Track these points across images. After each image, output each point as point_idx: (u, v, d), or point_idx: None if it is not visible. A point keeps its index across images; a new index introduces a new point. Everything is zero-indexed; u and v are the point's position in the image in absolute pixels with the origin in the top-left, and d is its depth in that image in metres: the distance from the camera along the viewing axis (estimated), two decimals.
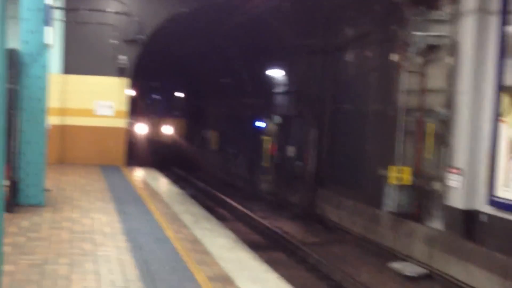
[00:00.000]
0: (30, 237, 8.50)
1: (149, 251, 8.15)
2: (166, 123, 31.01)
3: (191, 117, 32.50)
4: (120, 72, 18.78)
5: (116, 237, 8.90)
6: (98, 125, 18.74)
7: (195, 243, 8.86)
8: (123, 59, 18.65)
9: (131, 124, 28.20)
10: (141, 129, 30.41)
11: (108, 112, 18.75)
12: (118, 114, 18.88)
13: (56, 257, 7.52)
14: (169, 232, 9.44)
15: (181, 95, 32.43)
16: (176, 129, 31.18)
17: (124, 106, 18.96)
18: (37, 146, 10.38)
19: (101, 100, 18.72)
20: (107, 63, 18.73)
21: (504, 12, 11.43)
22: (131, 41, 18.83)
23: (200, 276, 7.08)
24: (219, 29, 21.40)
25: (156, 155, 28.08)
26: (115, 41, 18.69)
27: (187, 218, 10.85)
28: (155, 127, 30.66)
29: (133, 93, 28.92)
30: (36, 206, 10.56)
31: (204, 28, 22.04)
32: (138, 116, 29.67)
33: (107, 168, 17.73)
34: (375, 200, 15.23)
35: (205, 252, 8.37)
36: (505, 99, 11.31)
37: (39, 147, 10.49)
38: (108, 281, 6.65)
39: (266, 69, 23.21)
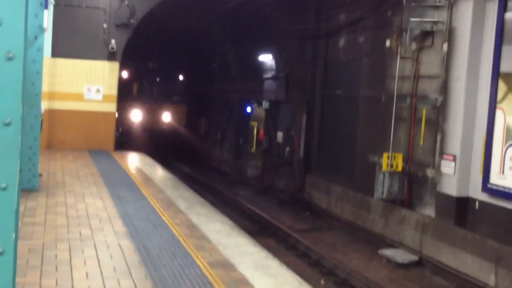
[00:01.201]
0: (26, 222, 8.41)
1: (147, 236, 8.11)
2: (164, 110, 28.57)
3: (192, 103, 30.20)
4: (110, 56, 18.59)
5: (113, 222, 8.84)
6: (86, 109, 18.56)
7: (193, 229, 8.82)
8: (113, 43, 18.45)
9: (125, 111, 26.45)
10: (136, 116, 27.94)
11: (97, 96, 18.57)
12: (107, 99, 18.71)
13: (54, 242, 7.46)
14: (166, 217, 9.40)
15: (181, 78, 30.04)
16: (175, 117, 28.81)
17: (113, 91, 18.80)
18: (31, 131, 10.26)
19: (90, 84, 18.52)
20: (97, 47, 18.52)
21: None
22: (122, 25, 18.62)
23: (201, 262, 7.06)
24: (210, 14, 21.23)
25: (154, 146, 25.97)
26: (105, 25, 18.48)
27: (181, 203, 10.80)
28: (152, 114, 28.11)
29: (127, 76, 27.36)
30: (29, 190, 10.46)
31: (195, 12, 21.86)
32: (133, 101, 27.70)
33: (96, 153, 17.59)
34: (365, 186, 15.27)
35: (203, 237, 8.33)
36: (502, 85, 11.35)
37: (33, 132, 10.38)
38: (109, 267, 6.60)
39: (256, 54, 23.12)
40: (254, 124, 23.29)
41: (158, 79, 29.20)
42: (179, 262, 6.99)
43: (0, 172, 2.78)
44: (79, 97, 18.48)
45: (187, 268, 6.78)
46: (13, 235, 2.92)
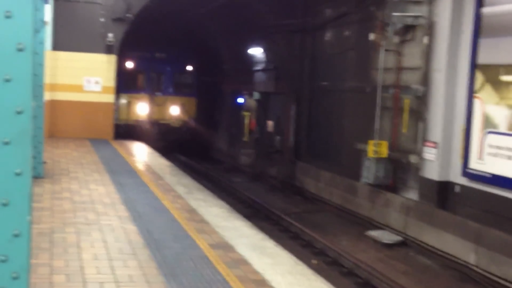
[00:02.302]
0: (34, 207, 8.29)
1: (150, 220, 8.04)
2: (172, 103, 25.01)
3: (203, 95, 26.72)
4: (108, 49, 18.44)
5: (116, 207, 8.77)
6: (86, 100, 18.43)
7: (192, 213, 8.76)
8: (110, 37, 18.30)
9: (128, 104, 24.39)
10: (142, 109, 24.54)
11: (96, 87, 18.45)
12: (105, 90, 18.59)
13: (62, 226, 7.39)
14: (166, 202, 9.33)
15: (189, 69, 26.06)
16: (184, 110, 25.17)
17: (111, 82, 18.67)
18: (35, 120, 10.12)
19: (89, 76, 18.39)
20: (95, 40, 18.35)
21: None
22: (118, 19, 18.45)
23: (202, 243, 7.00)
24: (202, 8, 21.09)
25: (163, 142, 23.01)
26: (102, 19, 18.32)
27: (180, 189, 10.73)
28: (159, 107, 24.69)
29: (132, 66, 24.69)
30: (35, 177, 10.34)
31: (188, 6, 21.73)
32: (137, 93, 24.62)
33: (96, 142, 17.45)
34: (352, 172, 15.27)
35: (202, 221, 8.28)
36: (479, 76, 11.34)
37: (37, 121, 10.26)
38: (116, 249, 6.55)
39: (247, 47, 23.03)
40: (246, 114, 23.21)
41: (165, 70, 25.49)
42: (181, 244, 6.94)
43: (15, 158, 2.74)
44: (79, 88, 18.35)
45: (189, 249, 6.73)
46: (28, 218, 2.88)
